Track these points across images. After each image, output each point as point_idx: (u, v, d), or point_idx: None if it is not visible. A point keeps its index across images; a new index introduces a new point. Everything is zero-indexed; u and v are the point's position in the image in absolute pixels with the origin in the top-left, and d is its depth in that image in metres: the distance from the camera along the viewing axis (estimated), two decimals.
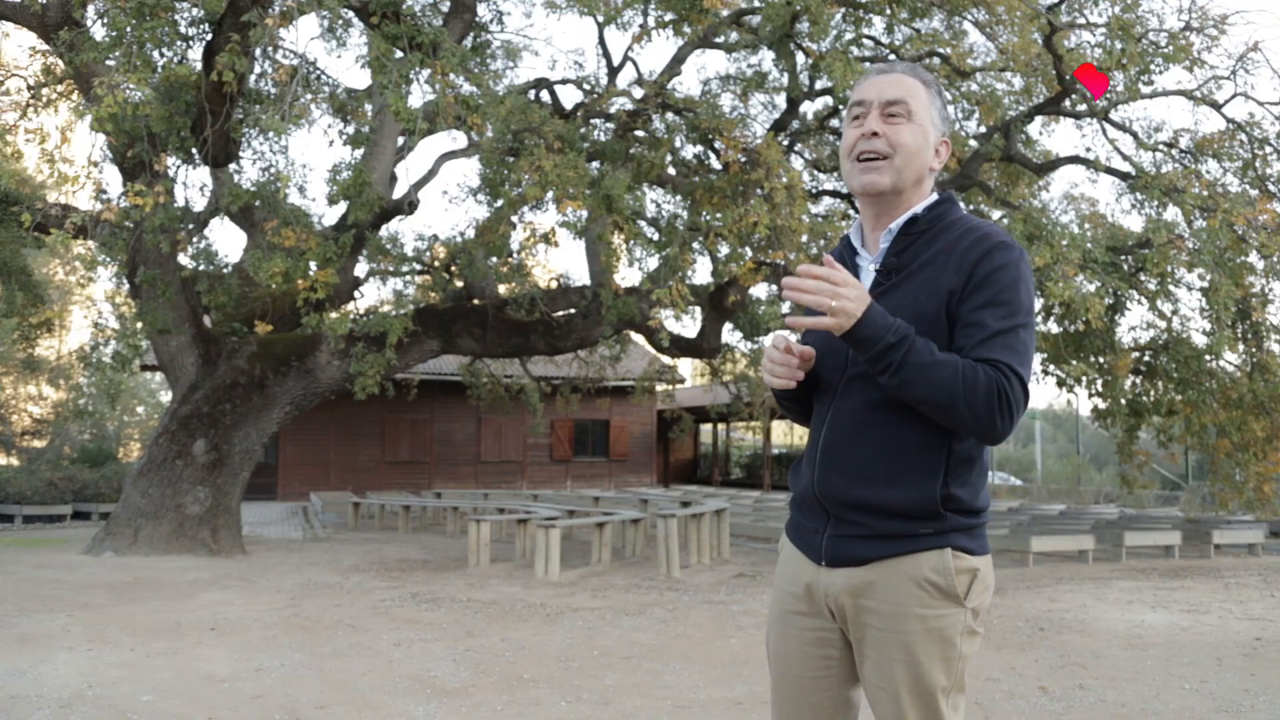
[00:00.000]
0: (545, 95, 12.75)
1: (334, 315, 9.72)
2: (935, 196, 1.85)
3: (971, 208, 13.58)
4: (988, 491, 1.80)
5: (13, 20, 9.67)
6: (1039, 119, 11.53)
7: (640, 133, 11.50)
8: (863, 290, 1.65)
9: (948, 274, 1.72)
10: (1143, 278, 10.18)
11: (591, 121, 11.79)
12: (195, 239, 11.01)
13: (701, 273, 34.05)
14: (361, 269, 12.92)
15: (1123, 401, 10.84)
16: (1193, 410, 10.52)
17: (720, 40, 11.67)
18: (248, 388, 10.76)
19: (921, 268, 1.76)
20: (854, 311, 1.62)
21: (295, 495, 20.54)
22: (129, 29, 7.77)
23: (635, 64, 17.50)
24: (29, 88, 11.24)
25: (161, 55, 8.44)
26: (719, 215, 9.83)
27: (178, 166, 9.75)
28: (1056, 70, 9.82)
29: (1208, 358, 10.33)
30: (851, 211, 11.85)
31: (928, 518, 1.71)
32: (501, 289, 12.46)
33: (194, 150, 9.27)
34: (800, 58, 10.74)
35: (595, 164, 10.78)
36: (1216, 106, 10.62)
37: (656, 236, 10.93)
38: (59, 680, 4.82)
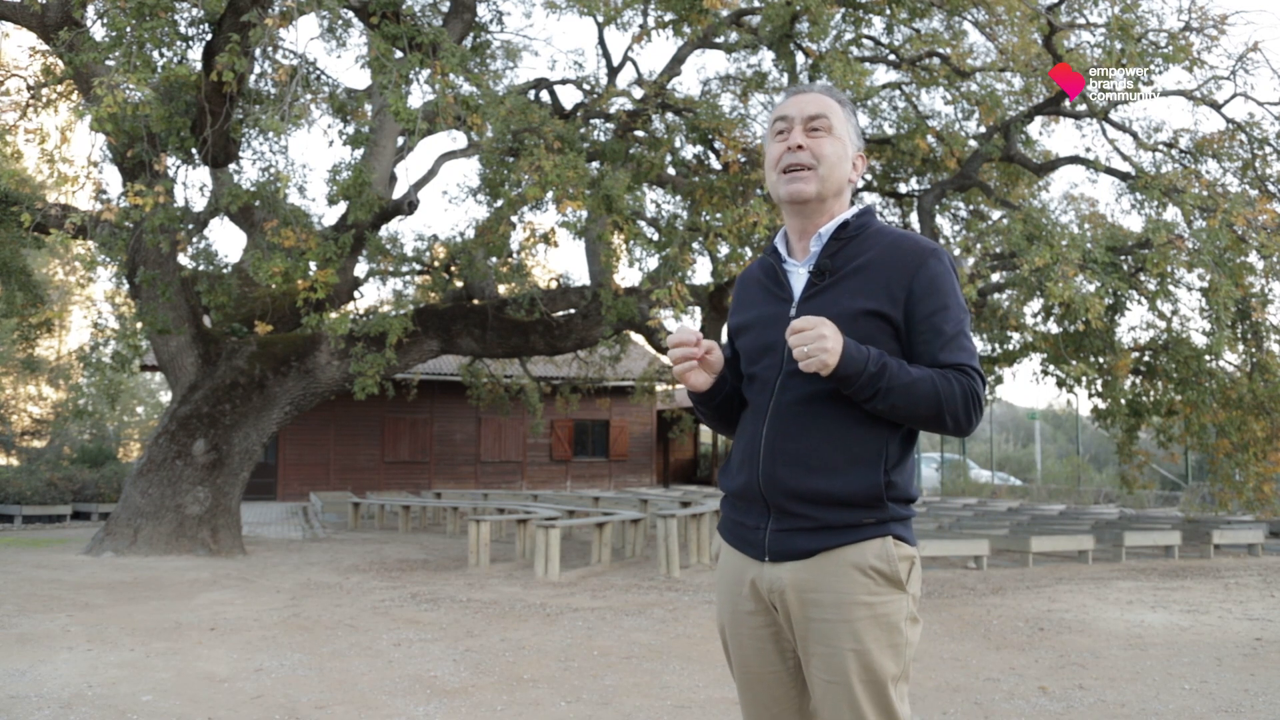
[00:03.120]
0: (545, 95, 12.76)
1: (334, 315, 9.72)
2: (859, 207, 1.99)
3: (971, 208, 13.61)
4: (916, 484, 1.95)
5: (13, 20, 9.67)
6: (1039, 119, 11.54)
7: (640, 133, 11.51)
8: (835, 329, 1.74)
9: (890, 280, 1.84)
10: (1143, 278, 10.18)
11: (591, 121, 11.79)
12: (195, 239, 11.01)
13: (701, 273, 34.07)
14: (361, 269, 12.93)
15: (1123, 401, 10.85)
16: (1193, 410, 10.52)
17: (720, 40, 11.67)
18: (248, 388, 10.76)
19: (856, 270, 1.87)
20: (836, 349, 1.71)
21: (295, 495, 20.54)
22: (129, 29, 7.77)
23: (635, 64, 17.51)
24: (29, 88, 11.24)
25: (161, 55, 8.43)
26: (719, 215, 9.83)
27: (178, 166, 9.75)
28: None
29: (1208, 358, 10.34)
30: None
31: (871, 506, 1.79)
32: (501, 289, 12.46)
33: (194, 150, 9.26)
34: (800, 58, 10.73)
35: (595, 164, 10.78)
36: (1216, 106, 10.62)
37: (656, 236, 10.93)
38: (59, 680, 4.82)
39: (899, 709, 1.77)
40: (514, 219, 10.37)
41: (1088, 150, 11.97)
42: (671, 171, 11.61)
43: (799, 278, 1.94)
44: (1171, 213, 10.45)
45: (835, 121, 1.92)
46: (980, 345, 12.68)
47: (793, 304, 1.90)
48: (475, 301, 12.32)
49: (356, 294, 13.16)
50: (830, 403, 1.81)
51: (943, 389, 1.75)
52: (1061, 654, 5.67)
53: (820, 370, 1.72)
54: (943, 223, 13.51)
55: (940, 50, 11.09)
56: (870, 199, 13.07)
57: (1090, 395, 11.08)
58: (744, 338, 1.99)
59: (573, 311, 12.30)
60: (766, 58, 12.57)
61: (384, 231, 12.40)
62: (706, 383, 1.94)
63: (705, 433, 28.78)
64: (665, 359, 18.79)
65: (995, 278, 11.55)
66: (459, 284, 12.49)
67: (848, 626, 1.76)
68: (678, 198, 11.88)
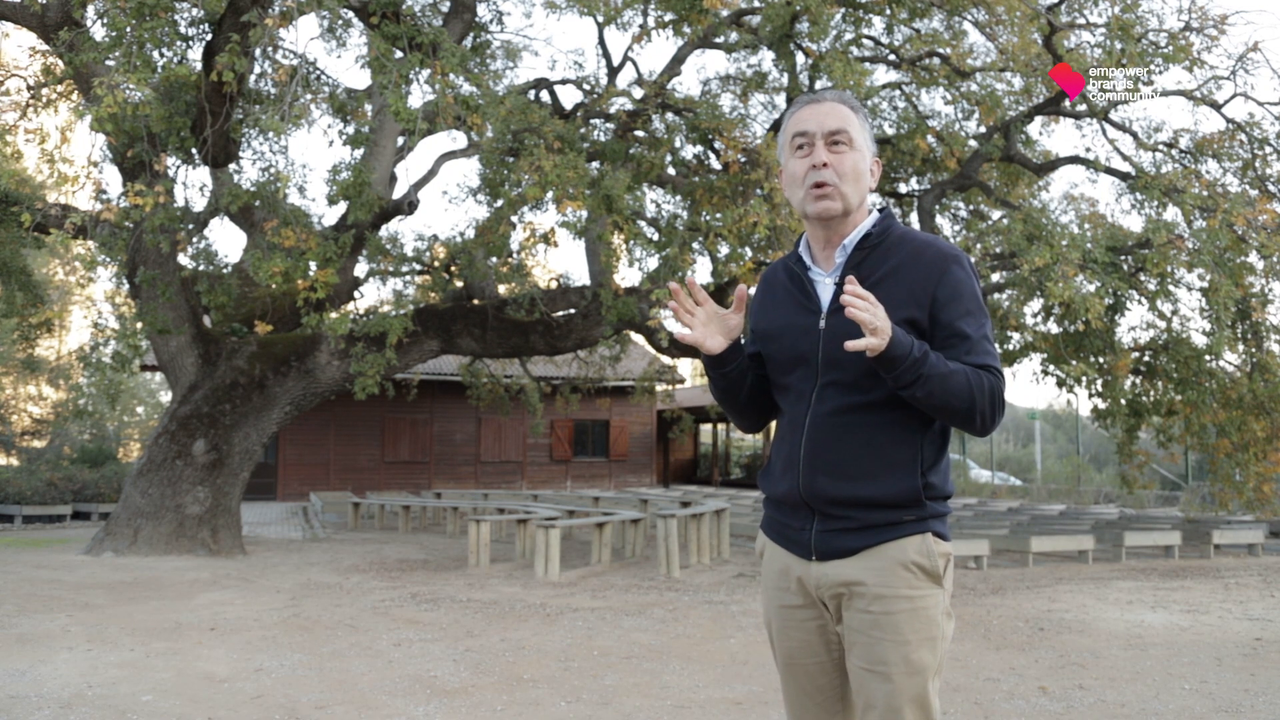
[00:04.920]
0: (545, 95, 12.75)
1: (334, 315, 9.72)
2: (878, 212, 2.02)
3: (971, 208, 13.61)
4: (952, 480, 1.98)
5: (13, 20, 9.67)
6: (1039, 119, 11.54)
7: (640, 133, 11.50)
8: (885, 314, 1.76)
9: (914, 288, 1.87)
10: (1143, 278, 10.18)
11: (591, 121, 11.79)
12: (195, 239, 11.01)
13: (701, 273, 33.92)
14: (361, 269, 12.93)
15: (1123, 401, 10.84)
16: (1193, 410, 10.52)
17: (720, 40, 11.67)
18: (248, 388, 10.76)
19: (882, 279, 1.90)
20: (888, 331, 1.73)
21: (295, 495, 20.55)
22: (129, 29, 7.77)
23: (635, 64, 17.47)
24: (29, 88, 11.23)
25: (161, 55, 8.43)
26: (719, 215, 9.83)
27: (178, 166, 9.75)
28: None
29: (1208, 358, 10.33)
30: None
31: (910, 506, 1.86)
32: (501, 289, 12.46)
33: (194, 150, 9.26)
34: (800, 58, 10.73)
35: (595, 164, 10.78)
36: (1216, 106, 10.62)
37: (656, 236, 10.93)
38: (59, 680, 4.82)
39: (933, 703, 1.84)
40: (514, 219, 10.37)
41: (1088, 150, 11.98)
42: (671, 171, 11.61)
43: (825, 288, 1.96)
44: (1171, 213, 10.45)
45: (855, 133, 1.94)
46: None
47: (821, 315, 1.93)
48: (475, 301, 12.32)
49: (356, 294, 13.16)
50: (865, 412, 1.87)
51: (975, 384, 1.79)
52: (1061, 654, 5.67)
53: (875, 345, 1.71)
54: (943, 223, 13.52)
55: (940, 50, 11.09)
56: (871, 199, 13.05)
57: (1090, 395, 11.08)
58: (773, 346, 2.01)
59: (573, 311, 12.29)
60: (766, 58, 12.58)
61: (384, 231, 12.40)
62: (720, 345, 1.96)
63: (705, 433, 28.77)
64: (665, 359, 18.80)
65: (995, 278, 11.56)
66: (459, 284, 12.49)
67: (890, 619, 1.82)
68: (678, 198, 11.87)
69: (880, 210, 2.03)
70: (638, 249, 10.05)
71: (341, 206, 11.38)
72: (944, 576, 1.87)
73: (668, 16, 10.36)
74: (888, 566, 1.84)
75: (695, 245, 10.30)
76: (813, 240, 2.02)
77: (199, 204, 11.11)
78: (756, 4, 10.83)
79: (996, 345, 1.96)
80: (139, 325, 9.59)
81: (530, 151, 8.67)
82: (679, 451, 26.98)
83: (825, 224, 1.96)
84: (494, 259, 11.19)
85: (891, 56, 11.72)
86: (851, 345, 1.74)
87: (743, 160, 9.78)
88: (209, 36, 8.83)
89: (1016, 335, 12.00)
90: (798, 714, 2.00)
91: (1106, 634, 6.30)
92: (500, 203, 10.51)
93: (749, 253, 10.06)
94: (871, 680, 1.82)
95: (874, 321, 1.71)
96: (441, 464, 22.36)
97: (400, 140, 12.57)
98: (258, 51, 9.56)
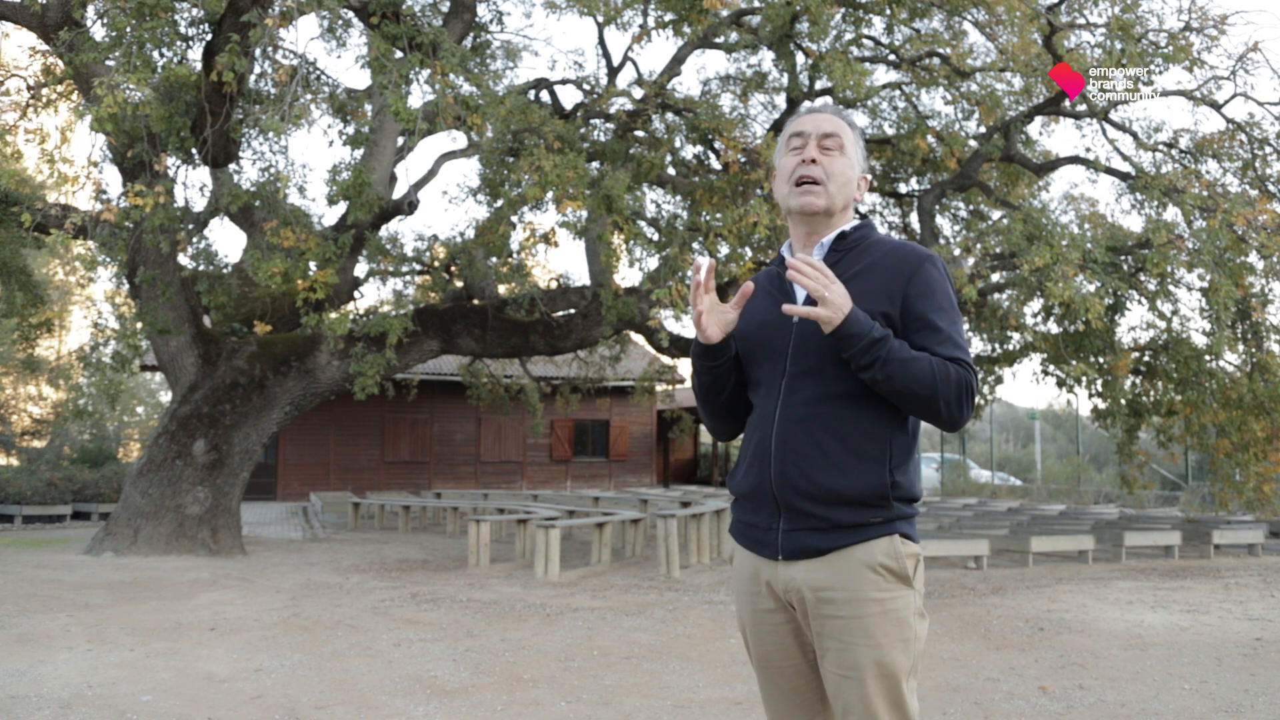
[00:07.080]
0: (545, 95, 12.75)
1: (334, 315, 9.71)
2: (858, 220, 2.08)
3: (971, 208, 13.61)
4: (920, 485, 1.99)
5: (13, 20, 9.67)
6: (1039, 119, 11.53)
7: (640, 133, 11.50)
8: (846, 291, 1.83)
9: (886, 283, 1.92)
10: (1143, 278, 10.18)
11: (591, 121, 11.79)
12: (195, 239, 11.01)
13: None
14: (361, 269, 12.92)
15: (1123, 401, 10.84)
16: (1193, 410, 10.52)
17: (720, 40, 11.67)
18: (248, 388, 10.76)
19: (855, 277, 1.94)
20: (843, 306, 1.80)
21: (295, 495, 20.54)
22: (129, 29, 7.76)
23: (635, 64, 17.45)
24: (29, 88, 11.23)
25: (161, 55, 8.43)
26: (719, 215, 9.83)
27: (178, 166, 9.75)
28: None
29: (1208, 358, 10.33)
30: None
31: (877, 505, 1.86)
32: (501, 289, 12.46)
33: (194, 150, 9.26)
34: (800, 58, 10.73)
35: (595, 164, 10.77)
36: (1216, 107, 10.61)
37: (656, 236, 10.92)
38: (59, 680, 4.82)
39: (910, 704, 1.84)
40: (514, 219, 10.36)
41: (1088, 150, 11.98)
42: (671, 171, 11.61)
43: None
44: (1171, 213, 10.44)
45: (846, 142, 2.02)
46: (980, 345, 12.69)
47: None
48: (475, 301, 12.32)
49: (356, 294, 13.15)
50: (836, 403, 1.88)
51: (939, 372, 1.81)
52: (1061, 654, 5.67)
53: (824, 316, 1.78)
54: (943, 223, 13.51)
55: (940, 50, 11.09)
56: (871, 199, 13.05)
57: (1090, 395, 11.07)
58: (747, 342, 2.05)
59: (573, 311, 12.29)
60: (766, 58, 12.58)
61: (384, 231, 12.40)
62: (718, 335, 1.98)
63: (705, 433, 28.77)
64: (665, 359, 18.79)
65: (995, 278, 11.55)
66: (459, 284, 12.48)
67: (860, 623, 1.82)
68: (678, 198, 11.87)
69: (860, 217, 2.08)
70: (638, 249, 10.04)
71: (341, 206, 11.37)
72: (914, 578, 1.87)
73: (668, 16, 10.36)
74: (855, 570, 1.83)
75: (695, 245, 10.29)
76: (795, 240, 2.08)
77: (199, 204, 11.13)
78: (756, 4, 10.83)
79: (975, 341, 1.98)
80: (139, 325, 9.59)
81: (530, 151, 8.67)
82: (679, 451, 26.98)
83: (807, 220, 2.01)
84: (494, 259, 11.18)
85: (891, 56, 11.71)
86: (790, 309, 1.81)
87: (743, 160, 9.78)
88: (209, 36, 8.83)
89: (1016, 335, 11.99)
90: (777, 717, 2.01)
91: (1106, 634, 6.30)
92: (500, 203, 10.50)
93: (749, 253, 10.06)
94: (846, 685, 1.83)
95: (821, 290, 1.77)
96: (441, 464, 22.36)
97: (400, 140, 12.56)
98: (258, 51, 9.55)
